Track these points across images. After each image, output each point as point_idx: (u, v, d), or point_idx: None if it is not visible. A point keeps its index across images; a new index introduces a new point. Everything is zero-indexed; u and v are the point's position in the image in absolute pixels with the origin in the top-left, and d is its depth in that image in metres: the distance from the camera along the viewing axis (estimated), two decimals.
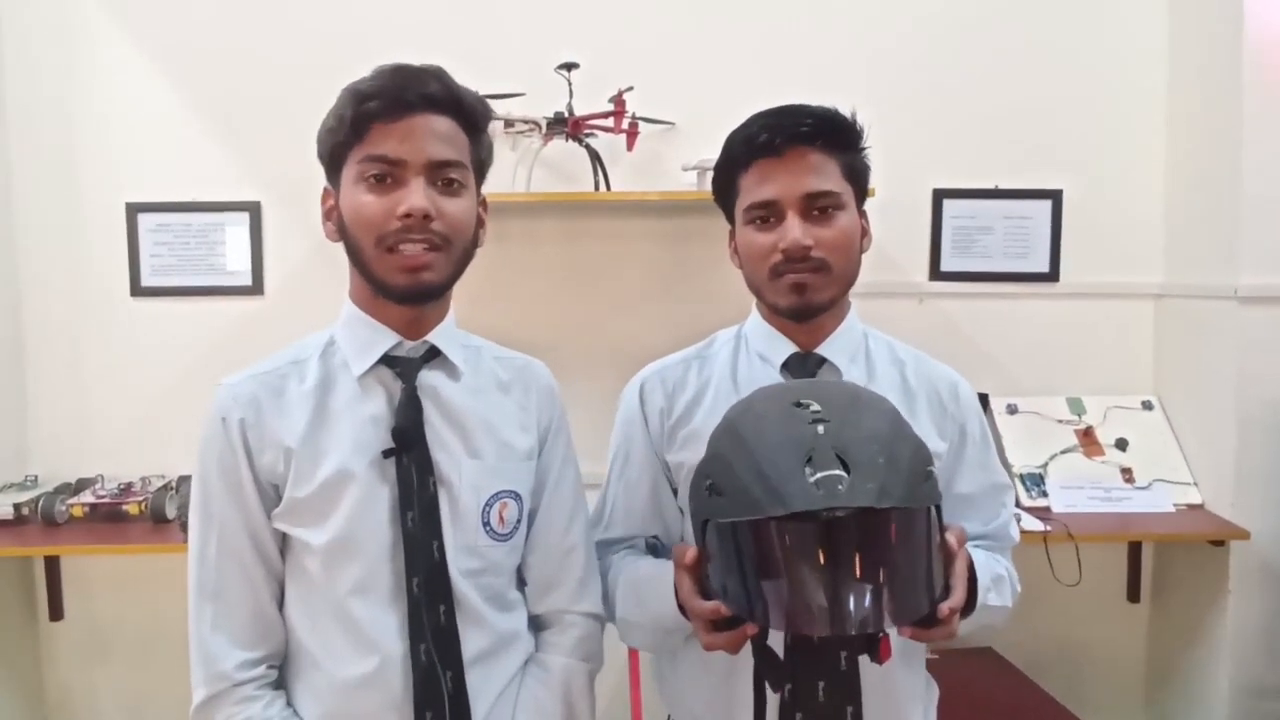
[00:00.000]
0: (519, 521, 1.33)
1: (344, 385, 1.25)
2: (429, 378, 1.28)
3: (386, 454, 1.22)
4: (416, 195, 1.17)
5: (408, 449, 1.23)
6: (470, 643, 1.25)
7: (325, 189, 1.27)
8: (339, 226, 1.23)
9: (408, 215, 1.16)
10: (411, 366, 1.26)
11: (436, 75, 1.21)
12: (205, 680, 1.21)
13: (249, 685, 1.21)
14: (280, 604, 1.25)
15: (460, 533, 1.25)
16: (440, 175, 1.20)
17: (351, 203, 1.20)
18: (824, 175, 1.32)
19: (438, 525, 1.23)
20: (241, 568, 1.22)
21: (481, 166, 1.29)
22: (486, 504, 1.28)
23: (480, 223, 1.29)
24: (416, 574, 1.22)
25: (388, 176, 1.18)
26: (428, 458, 1.24)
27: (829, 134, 1.33)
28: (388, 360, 1.26)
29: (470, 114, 1.24)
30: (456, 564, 1.24)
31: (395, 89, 1.18)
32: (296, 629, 1.25)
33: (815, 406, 1.07)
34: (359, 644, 1.21)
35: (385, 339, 1.26)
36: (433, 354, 1.29)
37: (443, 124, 1.20)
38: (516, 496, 1.32)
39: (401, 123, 1.18)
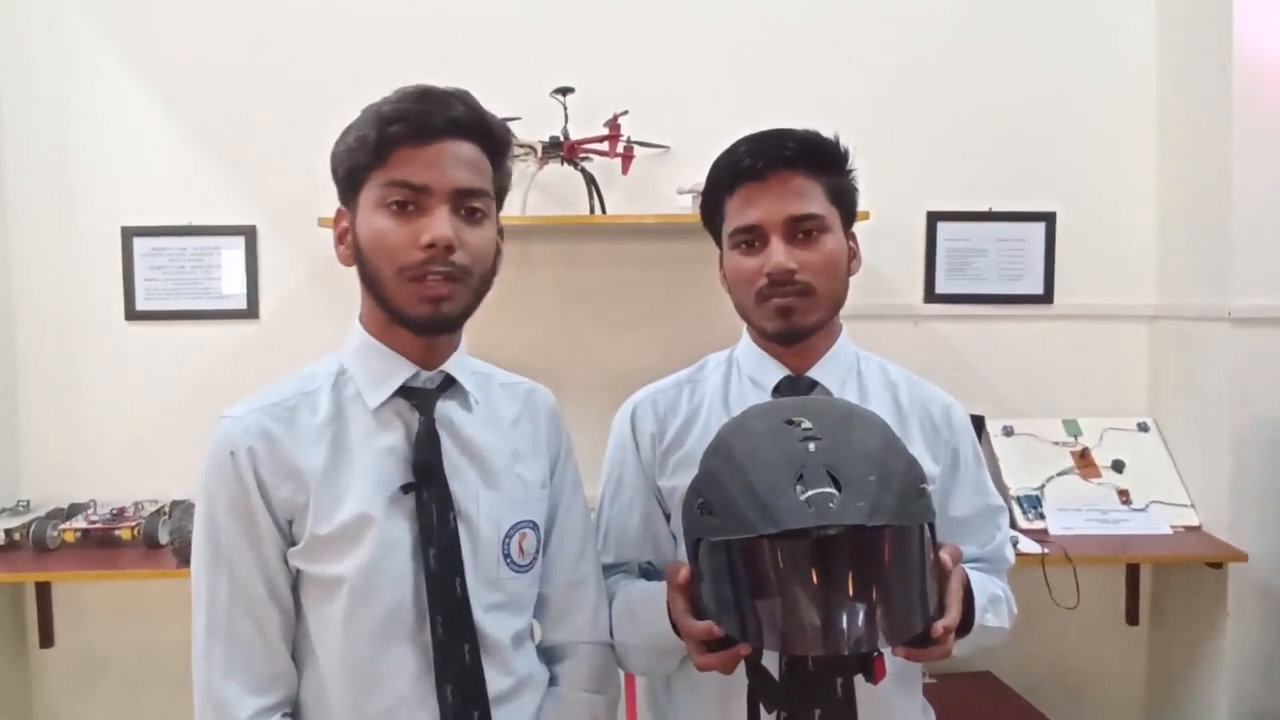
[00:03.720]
0: (537, 551, 1.30)
1: (359, 418, 1.21)
2: (445, 409, 1.24)
3: (406, 489, 1.18)
4: (441, 225, 1.13)
5: (428, 483, 1.19)
6: (493, 683, 1.21)
7: (339, 210, 1.22)
8: (354, 251, 1.19)
9: (431, 245, 1.12)
10: (429, 398, 1.23)
11: (463, 99, 1.17)
12: None
13: None
14: (292, 648, 1.20)
15: (481, 566, 1.22)
16: (464, 204, 1.16)
17: (371, 228, 1.15)
18: (807, 198, 1.32)
19: (459, 561, 1.19)
20: (255, 610, 1.16)
21: (502, 192, 1.25)
22: (506, 535, 1.25)
23: (498, 250, 1.25)
24: (439, 613, 1.17)
25: (411, 204, 1.14)
26: (447, 492, 1.20)
27: (812, 157, 1.33)
28: (404, 391, 1.22)
29: (495, 140, 1.21)
30: (478, 599, 1.20)
31: (422, 113, 1.14)
32: (312, 674, 1.20)
33: (807, 424, 1.06)
34: (382, 688, 1.17)
35: (402, 370, 1.22)
36: (447, 384, 1.26)
37: (468, 150, 1.17)
38: (534, 526, 1.29)
39: (428, 148, 1.14)
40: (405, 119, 1.13)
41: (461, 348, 1.29)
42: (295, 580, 1.20)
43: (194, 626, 1.18)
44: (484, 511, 1.23)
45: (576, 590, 1.35)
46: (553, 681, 1.33)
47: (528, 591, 1.30)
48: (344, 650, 1.16)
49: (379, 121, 1.14)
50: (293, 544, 1.18)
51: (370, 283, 1.19)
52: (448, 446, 1.23)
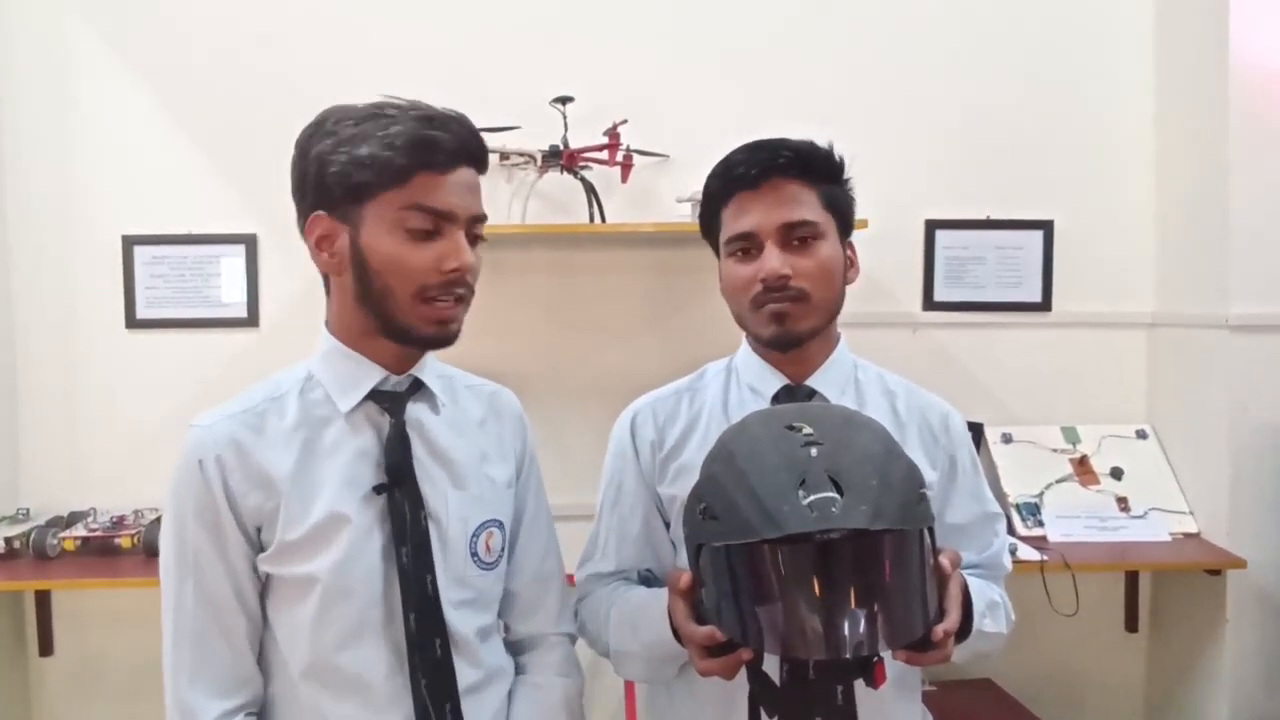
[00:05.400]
0: (503, 549, 1.33)
1: (329, 422, 1.23)
2: (413, 411, 1.27)
3: (378, 490, 1.21)
4: (466, 252, 1.18)
5: (399, 484, 1.22)
6: (462, 676, 1.24)
7: (319, 216, 1.21)
8: (353, 263, 1.19)
9: (455, 270, 1.17)
10: (398, 401, 1.25)
11: (467, 124, 1.20)
12: None
13: None
14: (259, 651, 1.23)
15: (450, 565, 1.25)
16: (474, 229, 1.21)
17: (387, 249, 1.16)
18: (801, 205, 1.33)
19: (429, 559, 1.22)
20: (221, 615, 1.19)
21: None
22: (474, 534, 1.28)
23: None
24: (412, 610, 1.20)
25: (434, 229, 1.17)
26: (418, 492, 1.23)
27: (806, 165, 1.34)
28: (374, 395, 1.24)
29: (486, 164, 1.25)
30: (448, 596, 1.23)
31: (444, 140, 1.15)
32: (281, 679, 1.22)
33: (808, 429, 1.07)
34: (354, 685, 1.19)
35: (372, 374, 1.24)
36: (415, 387, 1.28)
37: (474, 176, 1.22)
38: (500, 525, 1.32)
39: (449, 175, 1.17)
40: (429, 145, 1.15)
41: (429, 353, 1.32)
42: (264, 586, 1.22)
43: (163, 633, 1.22)
44: (452, 511, 1.26)
45: (542, 585, 1.40)
46: (520, 670, 1.38)
47: (493, 588, 1.33)
48: (315, 650, 1.19)
49: (405, 144, 1.14)
50: (261, 550, 1.20)
51: (375, 297, 1.19)
52: (417, 448, 1.25)
